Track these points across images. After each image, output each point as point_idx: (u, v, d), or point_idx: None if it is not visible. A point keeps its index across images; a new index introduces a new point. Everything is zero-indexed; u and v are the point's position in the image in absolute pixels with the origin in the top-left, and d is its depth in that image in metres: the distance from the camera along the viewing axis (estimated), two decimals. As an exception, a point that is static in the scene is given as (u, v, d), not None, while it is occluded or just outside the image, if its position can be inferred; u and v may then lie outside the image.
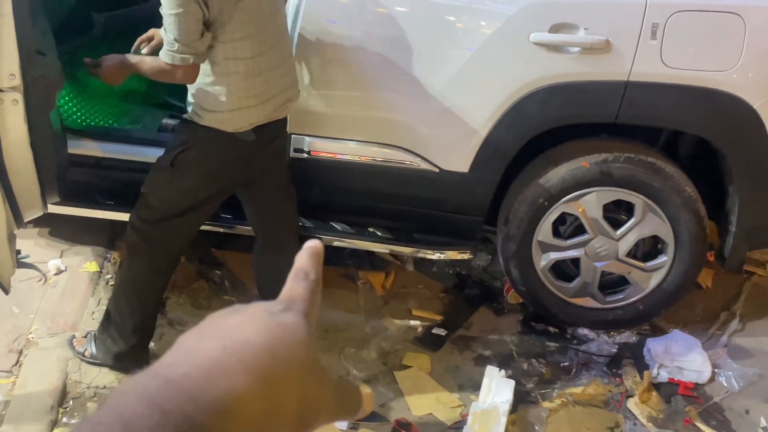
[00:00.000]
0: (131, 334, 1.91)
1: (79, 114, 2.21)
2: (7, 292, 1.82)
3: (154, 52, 1.86)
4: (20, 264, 2.24)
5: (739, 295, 2.37)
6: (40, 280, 2.22)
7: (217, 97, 1.71)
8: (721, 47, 1.93)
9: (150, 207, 1.83)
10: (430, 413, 1.97)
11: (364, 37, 2.02)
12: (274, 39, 1.77)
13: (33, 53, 1.67)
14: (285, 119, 1.90)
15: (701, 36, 1.94)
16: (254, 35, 1.70)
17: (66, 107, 2.19)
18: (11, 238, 1.77)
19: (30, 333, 2.06)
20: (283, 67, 1.81)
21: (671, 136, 2.21)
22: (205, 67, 1.70)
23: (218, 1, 1.59)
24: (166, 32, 1.63)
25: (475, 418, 1.88)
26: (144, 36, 2.00)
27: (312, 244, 0.40)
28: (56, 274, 2.27)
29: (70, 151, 2.03)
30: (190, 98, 1.77)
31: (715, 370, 2.10)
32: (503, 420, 1.88)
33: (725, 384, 2.07)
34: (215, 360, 0.29)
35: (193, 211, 1.84)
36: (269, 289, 2.04)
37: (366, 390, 0.39)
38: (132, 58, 1.81)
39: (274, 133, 1.85)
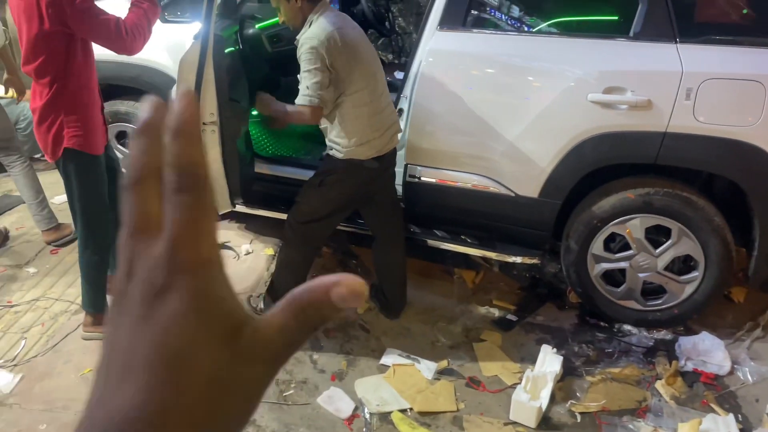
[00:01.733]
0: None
1: (267, 146, 3.15)
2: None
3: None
4: (223, 246, 3.26)
5: (766, 309, 2.80)
6: (234, 257, 3.21)
7: (349, 136, 2.43)
8: (744, 107, 2.40)
9: (301, 212, 2.60)
10: (496, 375, 2.63)
11: (463, 93, 2.72)
12: (382, 87, 2.49)
13: (227, 100, 2.47)
14: (395, 151, 2.62)
15: (728, 98, 2.41)
16: (369, 86, 2.40)
17: (258, 140, 3.13)
18: None
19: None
20: (389, 107, 2.55)
21: (708, 176, 2.69)
22: (338, 116, 2.41)
23: (341, 65, 2.30)
24: (301, 82, 2.33)
25: (528, 380, 2.51)
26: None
27: (181, 101, 0.30)
28: (246, 254, 3.26)
29: (258, 170, 2.95)
30: (330, 139, 2.49)
31: (735, 366, 2.57)
32: (550, 385, 2.49)
33: (741, 377, 2.53)
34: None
35: (330, 217, 2.61)
36: (383, 275, 2.85)
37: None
38: (280, 105, 2.52)
39: (388, 162, 2.59)
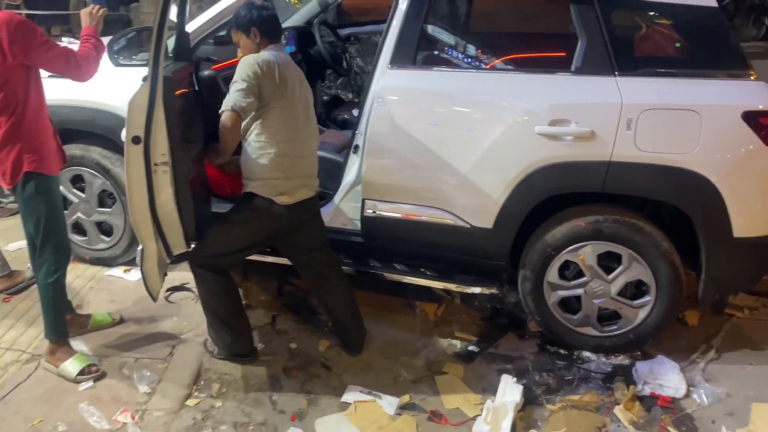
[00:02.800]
0: (227, 334, 2.68)
1: (228, 186, 3.14)
2: (155, 300, 2.63)
3: None
4: (180, 288, 3.22)
5: (719, 332, 2.87)
6: (193, 299, 3.17)
7: (254, 168, 2.45)
8: (683, 135, 2.48)
9: (205, 247, 2.56)
10: (458, 407, 2.61)
11: (415, 129, 2.77)
12: (304, 136, 2.53)
13: (180, 141, 2.41)
14: (312, 202, 2.62)
15: (667, 127, 2.50)
16: (288, 127, 2.44)
17: (215, 180, 3.12)
18: (161, 264, 2.58)
19: (182, 334, 2.97)
20: (308, 161, 2.58)
21: (655, 203, 2.78)
22: (249, 146, 2.45)
23: (267, 91, 2.36)
24: (229, 92, 2.37)
25: (488, 411, 2.51)
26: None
27: None
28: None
29: (216, 210, 2.94)
30: (242, 174, 2.52)
31: (690, 388, 2.61)
32: (511, 415, 2.49)
33: (697, 399, 2.57)
34: None
35: (235, 254, 2.61)
36: (332, 315, 2.89)
37: None
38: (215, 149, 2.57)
39: (302, 211, 2.56)
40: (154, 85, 2.22)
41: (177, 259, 2.61)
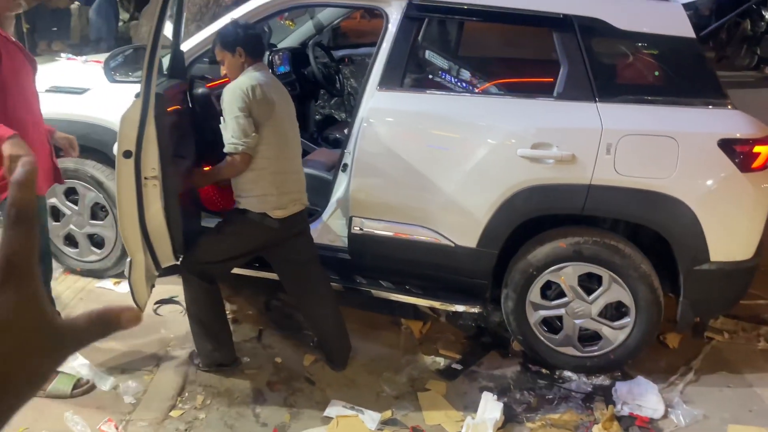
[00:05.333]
0: (208, 342, 2.72)
1: (219, 201, 3.19)
2: (141, 310, 2.68)
3: None
4: (169, 301, 3.26)
5: (698, 355, 2.92)
6: (181, 312, 3.20)
7: (249, 186, 2.52)
8: (660, 160, 2.57)
9: (196, 254, 2.62)
10: (439, 424, 2.65)
11: (402, 149, 2.84)
12: (292, 153, 2.63)
13: (171, 156, 2.47)
14: (301, 216, 2.69)
15: (645, 152, 2.59)
16: (279, 144, 2.53)
17: (206, 195, 3.18)
18: (149, 277, 2.62)
19: (168, 346, 3.00)
20: (297, 176, 2.66)
21: (635, 225, 2.84)
22: None
23: (256, 114, 2.43)
24: (225, 130, 2.44)
25: (468, 428, 2.55)
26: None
27: (23, 166, 0.43)
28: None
29: (205, 224, 2.99)
30: (234, 190, 2.59)
31: (669, 409, 2.65)
32: (491, 432, 2.54)
33: (675, 420, 2.60)
34: None
35: (225, 263, 2.68)
36: (317, 330, 2.94)
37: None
38: (213, 170, 2.64)
39: (292, 225, 2.63)
40: (146, 101, 2.28)
41: (165, 272, 2.66)
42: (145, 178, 2.38)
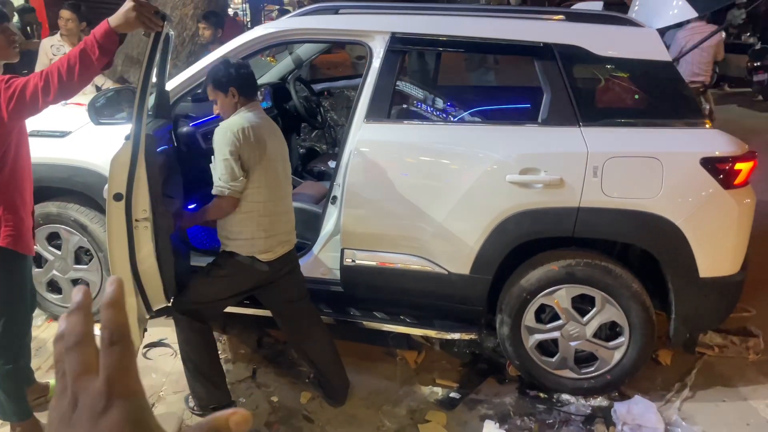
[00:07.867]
0: (202, 384, 2.65)
1: (205, 239, 3.17)
2: (135, 356, 2.64)
3: None
4: (158, 344, 3.18)
5: (692, 370, 2.95)
6: (172, 354, 3.13)
7: (235, 229, 2.50)
8: (646, 181, 2.62)
9: (188, 296, 2.59)
10: (442, 455, 2.63)
11: (392, 179, 2.85)
12: (284, 192, 2.61)
13: (161, 196, 2.44)
14: (290, 255, 2.66)
15: (631, 173, 2.64)
16: (270, 186, 2.50)
17: (194, 235, 3.15)
18: (141, 320, 2.57)
19: (161, 391, 2.93)
20: (287, 216, 2.64)
21: (623, 246, 2.89)
22: None
23: (246, 157, 2.41)
24: (215, 171, 2.42)
25: (473, 457, 2.54)
26: None
27: (111, 286, 0.44)
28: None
29: (195, 264, 2.95)
30: (219, 232, 2.57)
31: (668, 427, 2.65)
32: (495, 460, 2.52)
33: (675, 438, 2.62)
34: None
35: (216, 303, 2.64)
36: (313, 365, 2.86)
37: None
38: (199, 212, 2.62)
39: (281, 265, 2.61)
40: (136, 143, 2.26)
41: (157, 313, 2.60)
42: (136, 220, 2.35)
